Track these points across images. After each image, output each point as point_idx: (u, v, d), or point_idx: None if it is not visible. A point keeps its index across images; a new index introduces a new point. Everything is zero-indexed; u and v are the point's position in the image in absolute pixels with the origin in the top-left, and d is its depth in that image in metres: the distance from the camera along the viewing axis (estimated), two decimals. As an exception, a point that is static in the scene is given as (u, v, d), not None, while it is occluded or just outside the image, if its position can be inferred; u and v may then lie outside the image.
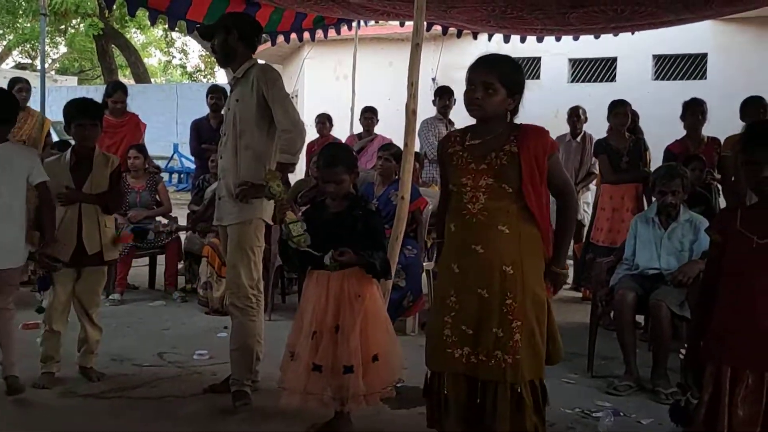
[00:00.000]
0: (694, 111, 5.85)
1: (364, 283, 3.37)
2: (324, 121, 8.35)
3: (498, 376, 2.77)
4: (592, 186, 7.03)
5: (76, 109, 4.10)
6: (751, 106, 5.68)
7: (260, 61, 4.03)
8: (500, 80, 2.80)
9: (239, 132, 3.74)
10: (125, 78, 25.66)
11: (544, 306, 2.86)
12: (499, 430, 2.79)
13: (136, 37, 28.76)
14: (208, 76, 32.50)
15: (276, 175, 3.44)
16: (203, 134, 7.05)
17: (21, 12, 22.17)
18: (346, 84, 9.72)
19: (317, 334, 3.30)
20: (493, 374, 2.78)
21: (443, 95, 7.34)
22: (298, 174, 7.41)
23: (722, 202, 5.79)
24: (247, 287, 3.76)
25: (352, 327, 3.28)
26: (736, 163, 5.32)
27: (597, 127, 6.93)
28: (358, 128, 8.26)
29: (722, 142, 5.87)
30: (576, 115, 7.14)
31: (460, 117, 7.49)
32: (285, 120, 3.66)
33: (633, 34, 7.06)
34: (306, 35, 7.52)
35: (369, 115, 8.10)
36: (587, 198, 7.07)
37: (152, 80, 28.29)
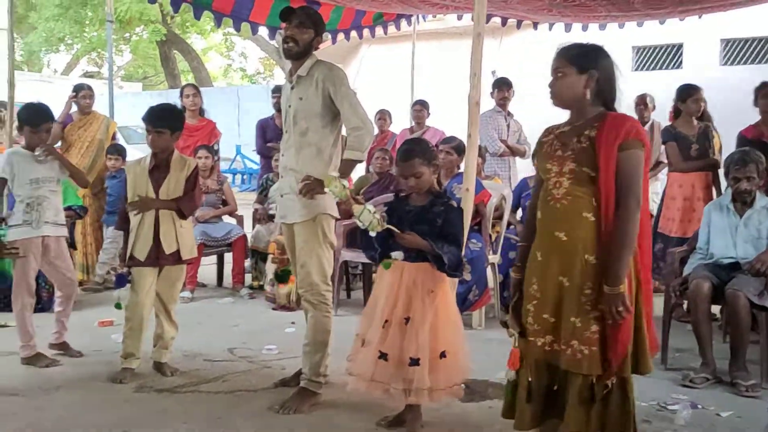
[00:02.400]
0: (765, 94, 5.64)
1: (437, 280, 3.36)
2: (384, 116, 8.35)
3: (574, 367, 2.72)
4: (661, 176, 6.85)
5: (146, 115, 4.21)
6: None
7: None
8: (569, 61, 2.77)
9: (303, 129, 3.76)
10: (187, 83, 26.22)
11: (626, 301, 2.66)
12: (568, 422, 2.74)
13: (196, 42, 29.38)
14: (268, 79, 32.97)
15: (331, 179, 3.44)
16: (269, 133, 7.15)
17: (87, 22, 22.89)
18: (405, 79, 9.71)
19: (387, 322, 3.31)
20: (569, 364, 2.73)
21: (501, 87, 7.26)
22: (359, 171, 7.44)
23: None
24: (319, 284, 3.78)
25: (422, 321, 3.27)
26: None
27: (663, 116, 6.75)
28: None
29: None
30: (643, 103, 6.99)
31: (519, 109, 7.45)
32: (354, 117, 3.67)
33: (700, 17, 6.85)
34: (366, 32, 7.54)
35: (419, 107, 8.08)
36: (656, 188, 6.89)
37: (213, 84, 28.85)
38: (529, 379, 2.85)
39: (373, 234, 3.29)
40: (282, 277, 5.38)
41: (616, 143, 2.68)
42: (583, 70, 2.76)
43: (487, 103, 6.97)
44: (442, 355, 3.29)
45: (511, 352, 2.95)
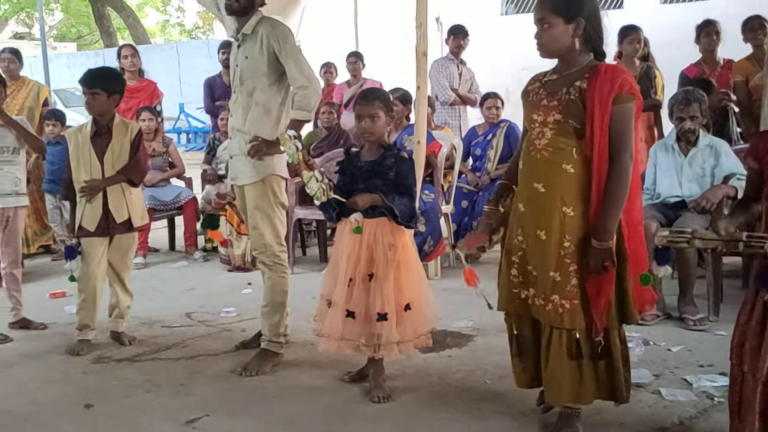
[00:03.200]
0: (708, 32, 5.72)
1: (396, 233, 3.36)
2: (330, 69, 8.24)
3: (556, 322, 2.72)
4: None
5: (81, 77, 4.08)
6: (748, 26, 5.54)
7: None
8: (554, 11, 2.68)
9: (250, 89, 3.68)
10: (124, 40, 25.40)
11: (613, 256, 2.65)
12: (551, 376, 2.77)
13: (131, -2, 28.38)
14: (207, 33, 32.14)
15: (286, 137, 3.38)
16: (216, 91, 7.00)
17: (14, -20, 21.89)
18: (349, 30, 9.57)
19: (352, 281, 3.32)
20: (551, 319, 2.73)
21: (458, 35, 7.09)
22: (308, 126, 7.36)
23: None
24: (273, 245, 3.75)
25: (386, 275, 3.29)
26: (746, 87, 5.24)
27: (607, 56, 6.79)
28: (365, 73, 8.16)
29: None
30: None
31: (470, 57, 7.35)
32: (300, 76, 3.59)
33: (640, -43, 6.87)
34: (306, -17, 7.37)
35: (353, 59, 7.97)
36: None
37: (151, 41, 28.00)
38: (515, 332, 2.90)
39: (317, 203, 3.28)
40: (210, 222, 5.10)
41: (611, 97, 2.62)
42: (570, 18, 2.67)
43: (432, 52, 6.91)
44: (407, 307, 3.32)
45: (463, 272, 3.01)
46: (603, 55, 2.77)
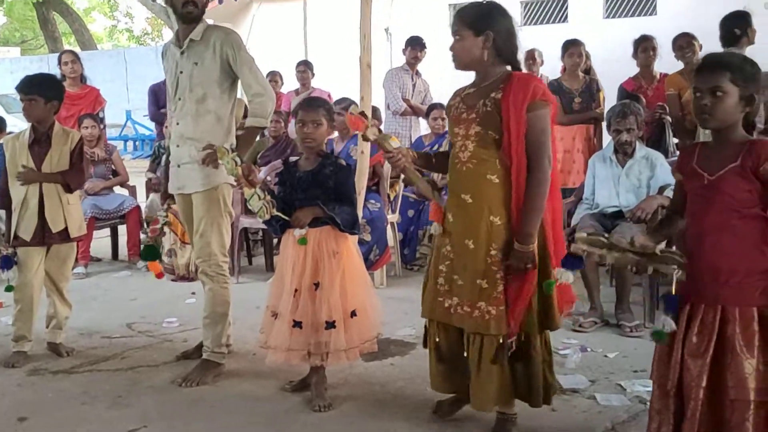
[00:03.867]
0: (644, 48, 5.91)
1: (340, 240, 3.39)
2: (276, 78, 8.23)
3: (482, 328, 2.78)
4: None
5: (18, 83, 4.00)
6: (677, 44, 5.67)
7: (210, 21, 3.93)
8: (465, 24, 2.79)
9: (200, 96, 3.66)
10: (69, 45, 24.93)
11: (534, 258, 2.74)
12: (479, 383, 2.82)
13: (78, 2, 27.86)
14: (156, 39, 31.72)
15: (225, 151, 3.37)
16: (162, 98, 6.91)
17: (-46, -18, 21.30)
18: (298, 39, 9.58)
19: (297, 291, 3.32)
20: (477, 326, 2.79)
21: (415, 46, 7.15)
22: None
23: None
24: (218, 255, 3.73)
25: (332, 283, 3.31)
26: (678, 101, 5.41)
27: (552, 69, 6.94)
28: (314, 83, 8.18)
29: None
30: (532, 58, 7.16)
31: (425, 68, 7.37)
32: (255, 84, 3.61)
33: (583, -28, 7.05)
34: (254, -9, 7.36)
35: (302, 68, 8.00)
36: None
37: (98, 46, 27.52)
38: (437, 339, 2.95)
39: (260, 220, 3.28)
40: (149, 253, 4.40)
41: (524, 105, 2.70)
42: (479, 32, 2.77)
43: (381, 63, 6.97)
44: (353, 313, 3.34)
45: (431, 206, 3.03)
46: (518, 67, 2.87)
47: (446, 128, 6.19)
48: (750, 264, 2.34)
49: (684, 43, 5.62)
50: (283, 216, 3.32)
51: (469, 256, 2.80)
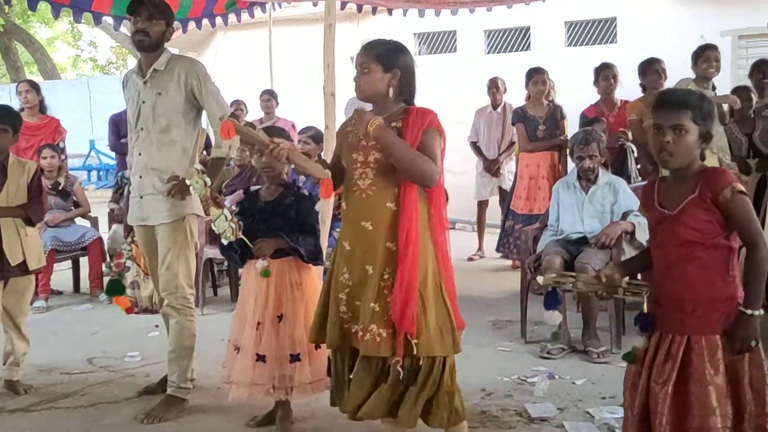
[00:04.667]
0: (605, 75, 6.00)
1: (302, 272, 3.36)
2: (240, 106, 8.20)
3: (373, 350, 2.79)
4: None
5: None
6: (651, 68, 5.68)
7: (174, 51, 3.90)
8: (375, 59, 2.86)
9: (164, 126, 3.62)
10: (32, 75, 24.62)
11: (429, 288, 2.81)
12: (375, 405, 2.81)
13: (41, 31, 27.58)
14: (121, 68, 31.49)
15: (193, 171, 3.34)
16: (122, 128, 6.82)
17: None
18: (264, 68, 9.58)
19: (260, 324, 3.27)
20: (369, 349, 2.79)
21: None
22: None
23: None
24: (185, 287, 3.67)
25: (295, 315, 3.27)
26: (640, 126, 5.50)
27: (516, 97, 7.02)
28: (279, 112, 8.16)
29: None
30: (495, 86, 7.24)
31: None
32: (222, 114, 3.56)
33: (544, 1, 7.15)
34: (219, 20, 7.33)
35: (266, 97, 8.01)
36: (511, 167, 7.18)
37: (62, 76, 27.24)
38: (351, 364, 2.90)
39: (224, 242, 3.23)
40: (114, 288, 4.15)
41: (421, 130, 2.82)
42: (388, 68, 2.86)
43: (345, 91, 6.98)
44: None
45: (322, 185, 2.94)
46: (412, 104, 2.95)
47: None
48: (715, 293, 2.37)
49: (659, 68, 5.63)
50: (247, 241, 3.27)
51: (368, 281, 2.83)
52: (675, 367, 2.35)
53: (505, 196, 7.00)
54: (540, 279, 2.60)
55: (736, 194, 2.31)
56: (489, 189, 7.39)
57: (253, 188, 3.56)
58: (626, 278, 2.49)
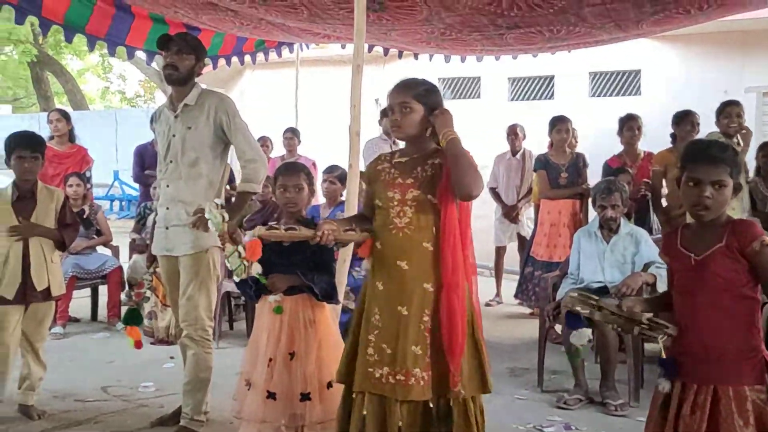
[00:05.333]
0: (630, 126, 6.01)
1: (316, 310, 3.35)
2: (266, 143, 8.30)
3: (418, 395, 2.76)
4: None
5: (16, 141, 3.99)
6: (687, 120, 5.65)
7: (203, 86, 3.98)
8: (417, 98, 2.87)
9: (192, 160, 3.68)
10: (62, 105, 25.08)
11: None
12: None
13: (72, 63, 28.18)
14: (148, 102, 32.02)
15: (215, 206, 3.36)
16: (147, 160, 6.94)
17: (-50, 40, 21.52)
18: (289, 106, 9.70)
19: (272, 361, 3.26)
20: (414, 393, 2.76)
21: (385, 117, 7.34)
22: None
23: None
24: (204, 319, 3.69)
25: (308, 354, 3.25)
26: (662, 178, 5.49)
27: (537, 144, 7.05)
28: (301, 150, 8.25)
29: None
30: (514, 133, 7.28)
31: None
32: (250, 150, 3.66)
33: (570, 52, 7.23)
34: (247, 58, 7.48)
35: (289, 135, 8.11)
36: (530, 213, 7.19)
37: (90, 107, 27.74)
38: (364, 412, 2.82)
39: (236, 279, 3.24)
40: (131, 317, 4.02)
41: None
42: (428, 107, 2.88)
43: (374, 131, 7.07)
44: (329, 385, 3.27)
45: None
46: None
47: (343, 197, 6.20)
48: (740, 343, 2.36)
49: (693, 120, 5.58)
50: (260, 278, 3.28)
51: (402, 323, 2.80)
52: (704, 418, 2.32)
53: (524, 243, 6.99)
54: (566, 299, 2.58)
55: (765, 247, 2.32)
56: (508, 235, 7.39)
57: (270, 223, 3.58)
58: (648, 315, 2.48)
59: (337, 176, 5.50)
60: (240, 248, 3.22)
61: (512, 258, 7.48)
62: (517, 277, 6.78)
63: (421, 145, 2.92)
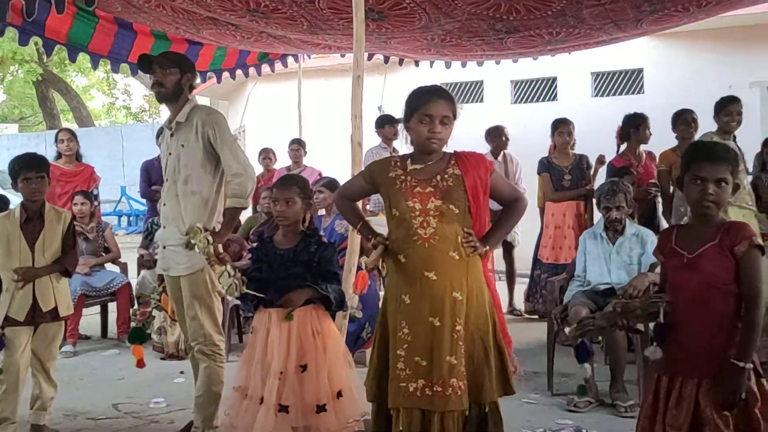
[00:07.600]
0: (685, 119, 5.70)
1: (322, 319, 3.36)
2: (269, 155, 8.35)
3: (456, 405, 2.76)
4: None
5: (19, 164, 4.01)
6: (681, 118, 5.70)
7: (198, 100, 3.98)
8: (451, 111, 2.88)
9: (185, 177, 3.66)
10: (68, 123, 25.26)
11: (489, 335, 2.89)
12: None
13: (77, 80, 28.37)
14: (154, 116, 32.17)
15: (197, 230, 3.36)
16: (153, 175, 6.98)
17: (-44, 61, 21.69)
18: (293, 117, 9.73)
19: (283, 374, 3.25)
20: (451, 404, 2.76)
21: (394, 123, 7.26)
22: (246, 212, 7.36)
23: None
24: (213, 335, 3.68)
25: (319, 365, 3.26)
26: (669, 178, 5.48)
27: (541, 146, 7.04)
28: (307, 161, 8.27)
29: (657, 156, 5.96)
30: (499, 136, 7.03)
31: (400, 144, 7.53)
32: (236, 164, 3.59)
33: (570, 53, 7.23)
34: (251, 71, 7.53)
35: (295, 146, 8.12)
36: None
37: (96, 123, 27.90)
38: (401, 428, 2.83)
39: (230, 299, 3.24)
40: (136, 335, 4.14)
41: (487, 174, 2.91)
42: (455, 117, 2.90)
43: (372, 142, 7.06)
44: (339, 394, 3.28)
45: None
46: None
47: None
48: (724, 339, 2.42)
49: (689, 118, 5.62)
50: (256, 294, 3.29)
51: (435, 334, 2.79)
52: (689, 411, 2.40)
53: (509, 249, 6.92)
54: (567, 330, 2.63)
55: (752, 248, 2.41)
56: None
57: (267, 235, 3.58)
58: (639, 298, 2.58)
59: (323, 185, 5.51)
60: (229, 267, 3.23)
61: (498, 263, 7.40)
62: (501, 280, 6.74)
63: (434, 153, 2.92)
